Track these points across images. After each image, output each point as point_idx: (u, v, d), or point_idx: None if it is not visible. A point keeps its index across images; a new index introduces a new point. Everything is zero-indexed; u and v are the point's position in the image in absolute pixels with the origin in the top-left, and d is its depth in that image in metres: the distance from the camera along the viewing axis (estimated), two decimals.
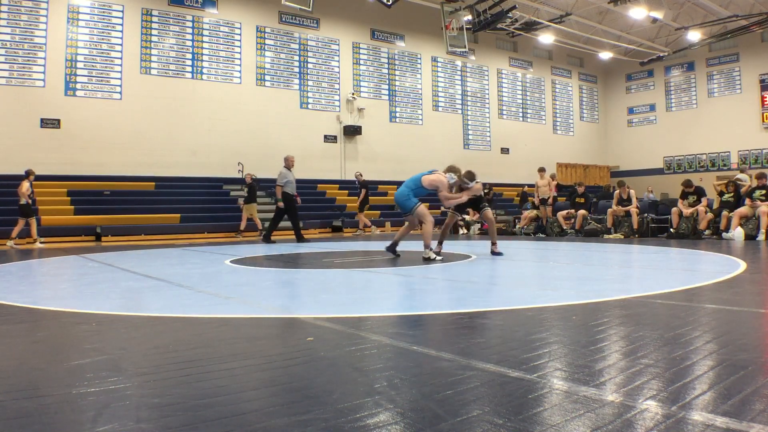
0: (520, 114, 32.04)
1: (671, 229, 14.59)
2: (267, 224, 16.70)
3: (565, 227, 16.84)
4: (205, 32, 22.34)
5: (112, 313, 4.29)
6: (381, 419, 1.94)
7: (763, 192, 13.29)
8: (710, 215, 14.12)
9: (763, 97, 29.10)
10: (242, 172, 22.39)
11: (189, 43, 21.99)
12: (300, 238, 15.22)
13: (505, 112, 31.32)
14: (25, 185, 15.26)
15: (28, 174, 15.55)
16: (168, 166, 20.95)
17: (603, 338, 3.17)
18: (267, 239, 15.07)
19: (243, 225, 18.48)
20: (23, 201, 15.19)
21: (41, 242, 15.47)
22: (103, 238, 16.79)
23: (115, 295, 5.39)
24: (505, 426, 1.85)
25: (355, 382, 2.40)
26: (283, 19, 24.08)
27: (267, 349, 3.13)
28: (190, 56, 21.97)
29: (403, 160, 26.22)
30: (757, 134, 29.33)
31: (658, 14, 24.97)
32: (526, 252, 10.72)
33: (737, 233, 12.95)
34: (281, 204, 14.95)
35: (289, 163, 15.26)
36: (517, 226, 18.70)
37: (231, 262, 8.85)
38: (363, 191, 20.00)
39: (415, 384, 2.35)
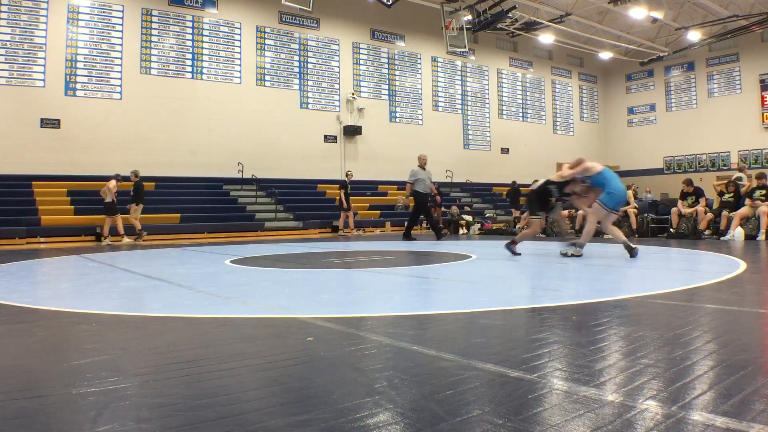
0: (520, 114, 32.04)
1: (671, 229, 14.60)
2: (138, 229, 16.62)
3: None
4: (205, 32, 22.35)
5: (112, 313, 4.30)
6: (381, 419, 1.94)
7: (763, 192, 13.28)
8: (710, 215, 14.13)
9: (763, 97, 29.08)
10: (242, 172, 22.41)
11: (189, 43, 22.00)
12: (407, 236, 15.20)
13: (505, 112, 31.33)
14: (113, 184, 16.13)
15: (117, 177, 16.54)
16: (168, 166, 20.95)
17: (603, 338, 3.17)
18: (407, 236, 15.12)
19: (137, 225, 16.75)
20: (108, 199, 16.03)
21: (128, 239, 16.28)
22: (103, 238, 16.76)
23: (115, 295, 5.39)
24: (505, 426, 1.85)
25: (355, 382, 2.40)
26: (283, 19, 24.08)
27: (267, 349, 3.13)
28: (190, 56, 21.98)
29: (403, 160, 26.15)
30: (758, 134, 29.32)
31: (658, 14, 24.96)
32: (526, 252, 10.71)
33: (737, 233, 12.95)
34: (407, 201, 15.23)
35: (421, 162, 15.35)
36: (517, 226, 18.69)
37: (231, 262, 8.85)
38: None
39: (415, 384, 2.35)
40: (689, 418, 1.90)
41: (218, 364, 2.77)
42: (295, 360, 2.83)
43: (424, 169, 15.28)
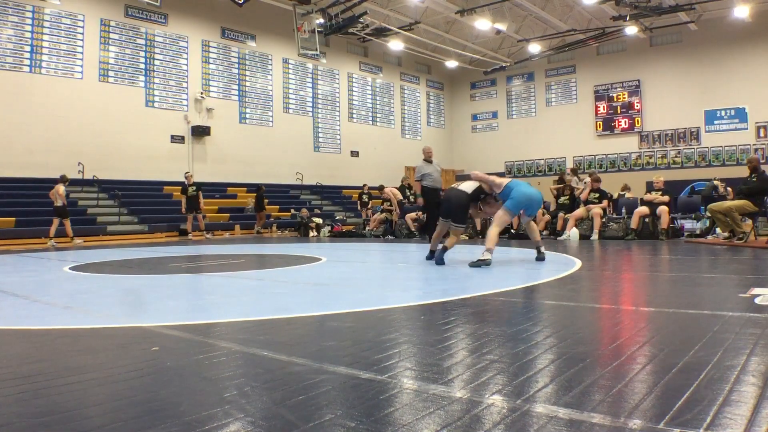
0: (370, 118, 32.49)
1: (512, 230, 15.27)
2: None
3: (413, 229, 17.20)
4: (46, 23, 21.02)
5: None
6: (231, 430, 1.90)
7: (597, 195, 14.24)
8: (547, 217, 14.99)
9: (597, 107, 31.10)
10: (83, 173, 21.30)
11: (28, 34, 20.63)
12: (423, 234, 14.37)
13: (355, 116, 31.65)
14: (62, 188, 16.36)
15: (64, 179, 17.00)
16: (1, 166, 19.55)
17: (450, 336, 3.27)
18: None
19: None
20: (59, 203, 16.48)
21: (78, 240, 16.53)
22: (48, 239, 15.64)
23: None
24: (357, 429, 1.86)
25: (203, 392, 2.34)
26: (129, 13, 23.10)
27: (109, 361, 2.99)
28: (28, 48, 20.60)
29: (253, 162, 25.94)
30: (591, 141, 31.33)
31: (502, 26, 26.08)
32: (376, 254, 10.88)
33: (572, 233, 13.75)
34: (420, 201, 13.98)
35: (426, 155, 14.06)
36: (367, 228, 18.93)
37: (71, 268, 8.40)
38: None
39: (267, 391, 2.31)
40: (533, 410, 1.98)
41: (56, 379, 2.61)
42: (140, 371, 2.72)
43: (431, 162, 14.09)
